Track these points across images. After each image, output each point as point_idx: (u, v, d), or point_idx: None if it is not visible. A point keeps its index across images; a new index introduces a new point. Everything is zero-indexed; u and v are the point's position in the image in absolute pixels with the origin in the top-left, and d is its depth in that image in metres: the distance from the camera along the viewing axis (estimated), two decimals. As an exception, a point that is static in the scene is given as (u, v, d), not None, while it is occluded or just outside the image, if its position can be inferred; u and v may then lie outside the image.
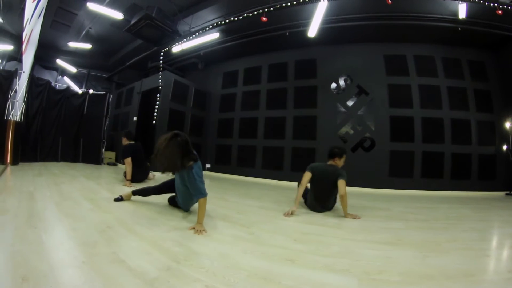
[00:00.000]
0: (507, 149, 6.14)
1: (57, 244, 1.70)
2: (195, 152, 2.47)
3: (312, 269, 1.59)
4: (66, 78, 9.81)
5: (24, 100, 6.30)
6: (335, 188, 3.18)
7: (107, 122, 8.75)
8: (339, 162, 3.37)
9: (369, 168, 6.29)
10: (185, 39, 6.68)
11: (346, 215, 3.09)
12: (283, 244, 2.02)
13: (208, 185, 4.80)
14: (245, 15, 5.53)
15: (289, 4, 5.12)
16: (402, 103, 6.45)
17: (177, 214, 2.76)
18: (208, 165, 8.36)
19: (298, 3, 5.04)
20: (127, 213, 2.64)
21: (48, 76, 9.35)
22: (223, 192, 4.54)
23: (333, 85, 7.03)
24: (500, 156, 6.24)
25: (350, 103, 6.85)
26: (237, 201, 3.78)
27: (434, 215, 3.57)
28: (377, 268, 1.66)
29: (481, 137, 6.31)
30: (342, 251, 1.95)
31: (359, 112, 6.74)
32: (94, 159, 8.30)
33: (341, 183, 3.08)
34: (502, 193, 6.05)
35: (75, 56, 9.12)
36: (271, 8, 5.23)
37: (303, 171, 3.34)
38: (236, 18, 5.69)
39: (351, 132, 6.73)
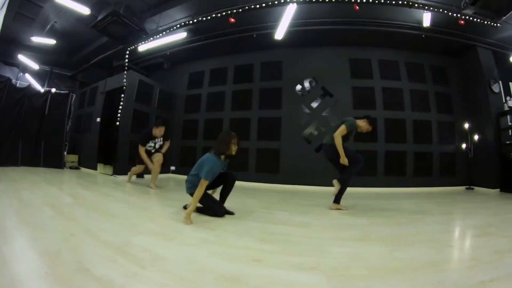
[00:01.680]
0: (466, 147, 6.60)
1: (18, 255, 1.61)
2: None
3: (280, 269, 1.61)
4: (27, 76, 9.17)
5: (-20, 99, 5.82)
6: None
7: (69, 124, 8.29)
8: (363, 124, 3.85)
9: (333, 168, 6.33)
10: (152, 38, 6.47)
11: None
12: (250, 245, 2.03)
13: (172, 188, 4.69)
14: (214, 15, 5.47)
15: (257, 6, 5.11)
16: (366, 105, 6.62)
17: (141, 218, 2.71)
18: (172, 168, 8.12)
19: (267, 5, 5.04)
20: (90, 219, 2.54)
21: (8, 72, 8.64)
22: (186, 195, 4.14)
23: (298, 87, 7.10)
24: (460, 154, 6.68)
25: (314, 104, 6.94)
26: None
27: (399, 210, 3.71)
28: (345, 264, 1.70)
29: (441, 136, 6.72)
30: (309, 249, 1.99)
31: (323, 114, 6.85)
32: (56, 162, 7.79)
33: (341, 126, 3.64)
34: (462, 188, 6.48)
35: (38, 52, 8.51)
36: (240, 10, 5.20)
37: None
38: (204, 18, 5.61)
39: (315, 133, 6.80)
